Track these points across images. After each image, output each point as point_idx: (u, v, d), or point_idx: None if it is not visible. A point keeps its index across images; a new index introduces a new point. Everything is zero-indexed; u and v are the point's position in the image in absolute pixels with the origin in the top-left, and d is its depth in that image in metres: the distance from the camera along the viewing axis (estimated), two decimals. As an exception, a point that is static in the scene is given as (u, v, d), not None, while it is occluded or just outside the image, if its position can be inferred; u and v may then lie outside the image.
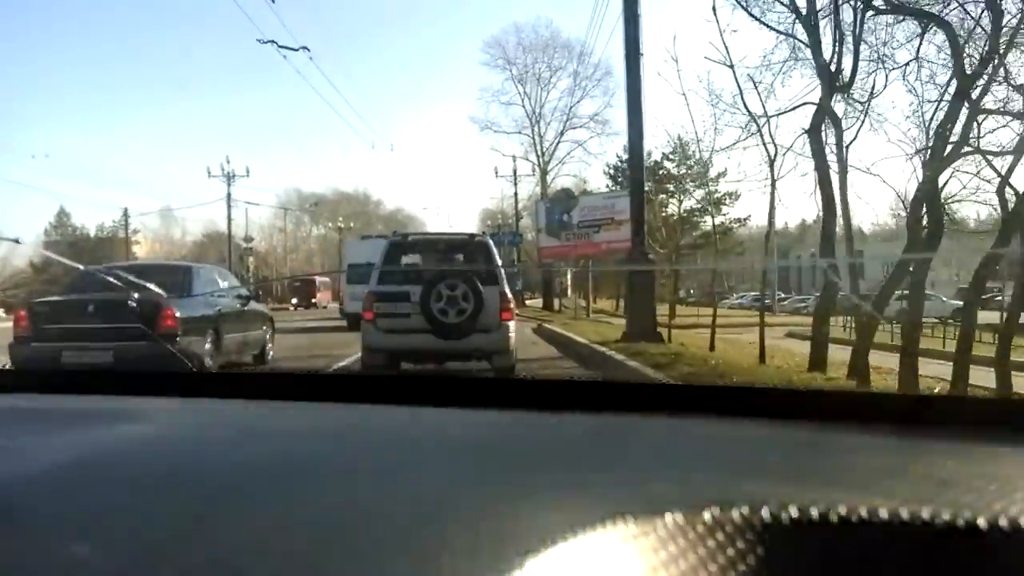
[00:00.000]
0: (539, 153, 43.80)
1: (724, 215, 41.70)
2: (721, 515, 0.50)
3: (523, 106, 43.74)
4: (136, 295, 6.56)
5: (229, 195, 43.72)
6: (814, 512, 0.51)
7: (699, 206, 40.55)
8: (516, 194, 43.79)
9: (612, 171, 42.48)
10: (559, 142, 44.26)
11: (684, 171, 40.19)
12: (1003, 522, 0.49)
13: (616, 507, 0.51)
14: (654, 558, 0.46)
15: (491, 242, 8.85)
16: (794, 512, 0.51)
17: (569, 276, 34.53)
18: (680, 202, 40.40)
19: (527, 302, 40.43)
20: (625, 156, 39.89)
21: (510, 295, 7.76)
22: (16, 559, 0.45)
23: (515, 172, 43.14)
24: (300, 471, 0.65)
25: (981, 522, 0.49)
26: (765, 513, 0.51)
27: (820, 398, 0.94)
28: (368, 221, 68.58)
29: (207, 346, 8.22)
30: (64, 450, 0.73)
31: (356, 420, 0.93)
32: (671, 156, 41.32)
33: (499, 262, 8.03)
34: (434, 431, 0.85)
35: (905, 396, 0.94)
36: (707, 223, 41.47)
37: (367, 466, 0.67)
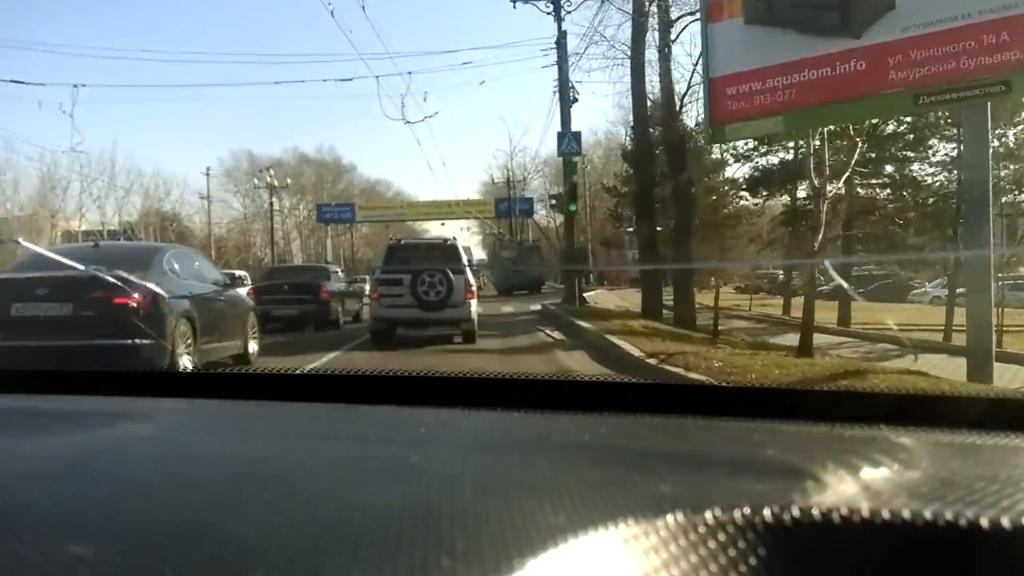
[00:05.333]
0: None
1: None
2: (723, 515, 0.50)
3: None
4: (309, 279, 15.23)
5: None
6: (816, 512, 0.51)
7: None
8: (562, 30, 19.99)
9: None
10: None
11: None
12: (1005, 522, 0.49)
13: (618, 507, 0.51)
14: (656, 558, 0.47)
15: (459, 244, 12.70)
16: (796, 512, 0.51)
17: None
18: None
19: (586, 294, 19.97)
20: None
21: (472, 281, 11.38)
22: (16, 559, 0.45)
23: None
24: (299, 471, 0.65)
25: (984, 522, 0.49)
26: (767, 513, 0.50)
27: (823, 397, 0.93)
28: (346, 192, 55.17)
29: (339, 309, 15.48)
30: (64, 450, 0.73)
31: (356, 420, 0.94)
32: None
33: (464, 256, 12.51)
34: (434, 431, 0.85)
35: (908, 395, 0.94)
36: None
37: (367, 466, 0.68)
